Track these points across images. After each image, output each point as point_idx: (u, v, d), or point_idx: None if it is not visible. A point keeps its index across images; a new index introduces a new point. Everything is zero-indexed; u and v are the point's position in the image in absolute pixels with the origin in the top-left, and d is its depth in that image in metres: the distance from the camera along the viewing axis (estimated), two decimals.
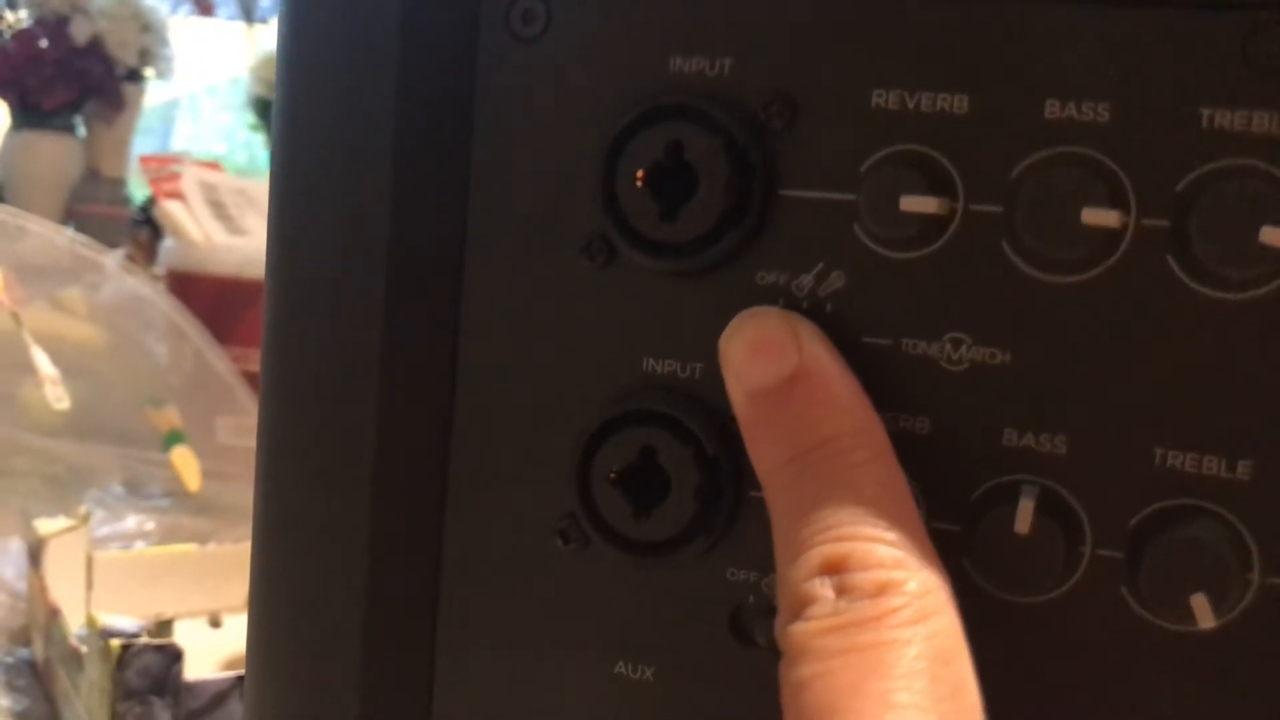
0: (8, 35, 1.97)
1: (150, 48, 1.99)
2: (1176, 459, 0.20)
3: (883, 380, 0.22)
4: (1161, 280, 0.20)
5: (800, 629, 0.18)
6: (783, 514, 0.20)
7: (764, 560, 0.23)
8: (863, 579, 0.18)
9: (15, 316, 0.95)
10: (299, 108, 0.25)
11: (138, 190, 2.01)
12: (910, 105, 0.21)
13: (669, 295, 0.23)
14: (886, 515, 0.19)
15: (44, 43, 1.94)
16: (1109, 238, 0.20)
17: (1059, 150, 0.20)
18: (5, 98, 1.99)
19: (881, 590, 0.18)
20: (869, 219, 0.21)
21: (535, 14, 0.23)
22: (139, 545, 0.94)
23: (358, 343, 0.25)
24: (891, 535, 0.19)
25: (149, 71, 2.05)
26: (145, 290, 1.15)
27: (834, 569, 0.19)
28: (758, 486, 0.22)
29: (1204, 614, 0.20)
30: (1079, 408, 0.21)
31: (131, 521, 0.99)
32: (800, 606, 0.19)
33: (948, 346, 0.21)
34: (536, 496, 0.24)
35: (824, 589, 0.18)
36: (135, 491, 1.06)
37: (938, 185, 0.21)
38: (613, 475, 0.23)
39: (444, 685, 0.25)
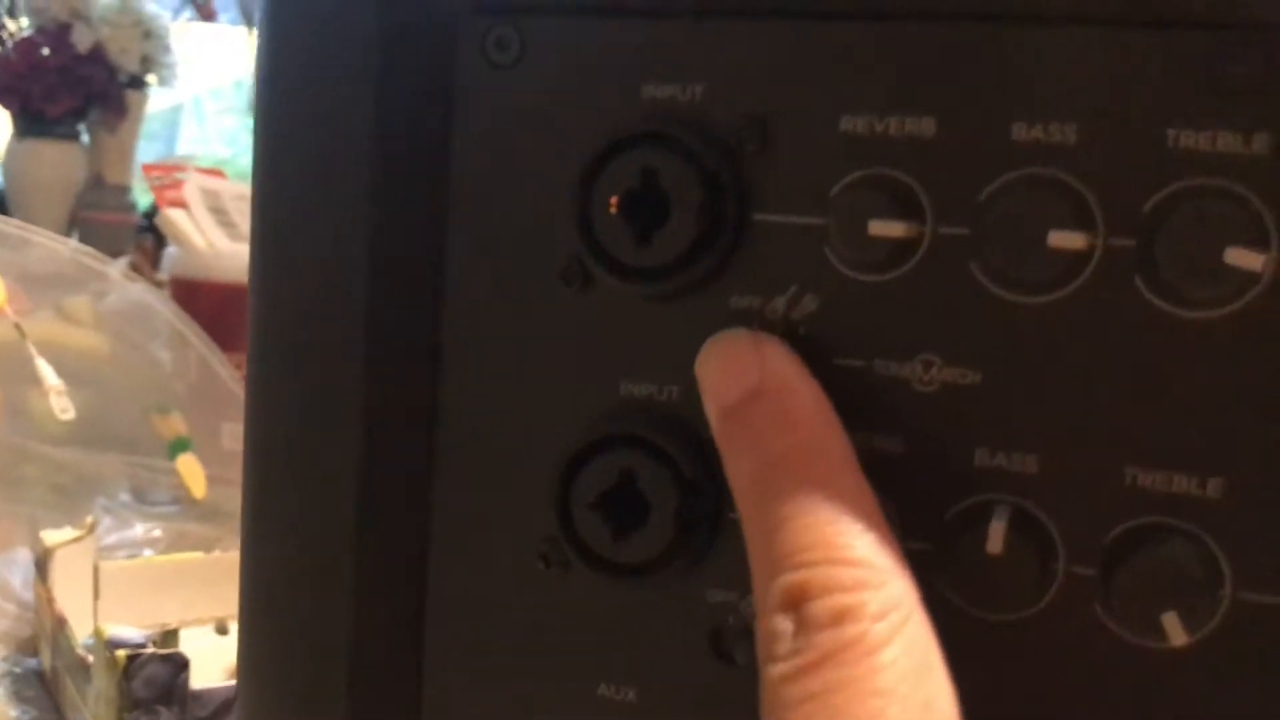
0: (9, 43, 1.98)
1: (152, 54, 1.99)
2: (1147, 478, 0.20)
3: (856, 401, 0.22)
4: (1129, 300, 0.20)
5: (767, 674, 0.18)
6: (752, 536, 0.20)
7: (743, 581, 0.23)
8: (820, 608, 0.18)
9: (19, 328, 0.95)
10: (277, 132, 0.26)
11: (142, 197, 2.01)
12: (879, 129, 0.21)
13: (646, 319, 0.23)
14: (846, 531, 0.19)
15: (46, 50, 1.94)
16: (1076, 259, 0.20)
17: (1026, 172, 0.21)
18: (8, 105, 2.00)
19: (839, 619, 0.18)
20: (839, 243, 0.21)
21: (509, 41, 0.24)
22: (147, 552, 0.94)
23: (340, 366, 0.25)
24: (851, 553, 0.18)
25: (151, 78, 2.05)
26: (149, 298, 1.15)
27: (793, 600, 0.18)
28: (736, 508, 0.23)
29: (1176, 632, 0.20)
30: (1049, 427, 0.21)
31: (139, 529, 0.99)
32: (766, 644, 0.19)
33: (919, 367, 0.22)
34: (518, 519, 0.24)
35: (784, 623, 0.18)
36: (142, 499, 1.06)
37: (906, 209, 0.21)
38: (592, 500, 0.23)
39: (431, 708, 0.25)
